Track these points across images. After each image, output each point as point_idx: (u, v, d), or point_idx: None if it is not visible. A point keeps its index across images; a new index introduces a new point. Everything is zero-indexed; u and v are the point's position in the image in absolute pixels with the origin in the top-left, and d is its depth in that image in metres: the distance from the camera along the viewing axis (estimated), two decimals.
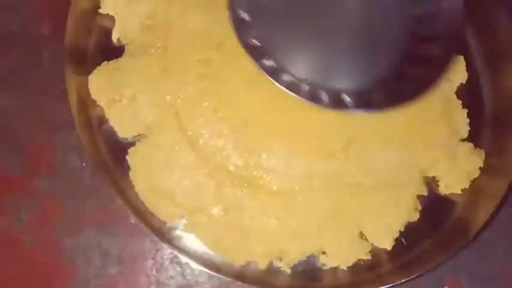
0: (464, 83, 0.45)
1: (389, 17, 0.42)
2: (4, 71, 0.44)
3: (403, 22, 0.42)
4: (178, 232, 0.42)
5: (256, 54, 0.39)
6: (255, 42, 0.40)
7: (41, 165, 0.43)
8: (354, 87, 0.41)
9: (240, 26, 0.39)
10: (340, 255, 0.42)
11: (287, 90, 0.38)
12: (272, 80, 0.38)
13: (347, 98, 0.40)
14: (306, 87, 0.40)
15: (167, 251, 0.42)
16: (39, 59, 0.44)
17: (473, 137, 0.45)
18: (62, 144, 0.43)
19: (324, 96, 0.40)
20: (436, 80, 0.39)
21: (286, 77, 0.40)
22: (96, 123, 0.43)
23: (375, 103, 0.39)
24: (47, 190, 0.43)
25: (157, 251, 0.42)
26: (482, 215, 0.42)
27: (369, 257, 0.42)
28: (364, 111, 0.39)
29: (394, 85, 0.40)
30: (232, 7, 0.39)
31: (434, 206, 0.44)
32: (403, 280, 0.40)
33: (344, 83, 0.41)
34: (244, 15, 0.40)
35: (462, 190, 0.44)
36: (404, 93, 0.39)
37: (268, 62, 0.40)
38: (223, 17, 0.39)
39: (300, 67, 0.41)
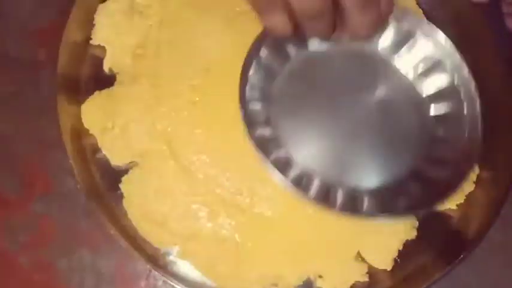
0: None
1: (406, 117, 0.40)
2: (2, 94, 0.45)
3: (421, 122, 0.40)
4: (172, 258, 0.41)
5: (266, 145, 0.36)
6: (266, 132, 0.37)
7: (37, 187, 0.43)
8: (372, 189, 0.38)
9: (249, 119, 0.36)
10: (337, 278, 0.42)
11: (294, 188, 0.35)
12: (280, 175, 0.35)
13: (365, 201, 0.37)
14: (317, 184, 0.37)
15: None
16: (37, 83, 0.45)
17: None
18: (57, 166, 0.43)
19: (337, 196, 0.37)
20: (457, 184, 0.36)
21: (295, 171, 0.37)
22: (90, 152, 0.43)
23: (394, 208, 0.36)
24: (42, 212, 0.43)
25: (150, 271, 0.42)
26: (477, 228, 0.42)
27: (366, 279, 0.42)
28: (381, 217, 0.37)
29: (413, 189, 0.38)
30: (245, 100, 0.36)
31: (430, 221, 0.43)
32: None
33: (361, 182, 0.38)
34: (255, 104, 0.38)
35: (457, 205, 0.44)
36: (425, 198, 0.37)
37: (279, 153, 0.37)
38: (211, 43, 0.40)
39: (314, 163, 0.38)
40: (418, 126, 0.40)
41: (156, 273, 0.41)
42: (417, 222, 0.43)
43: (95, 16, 0.44)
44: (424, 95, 0.41)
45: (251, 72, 0.37)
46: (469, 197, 0.44)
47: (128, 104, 0.42)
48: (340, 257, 0.42)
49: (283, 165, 0.36)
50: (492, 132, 0.44)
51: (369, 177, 0.38)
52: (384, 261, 0.42)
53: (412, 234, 0.43)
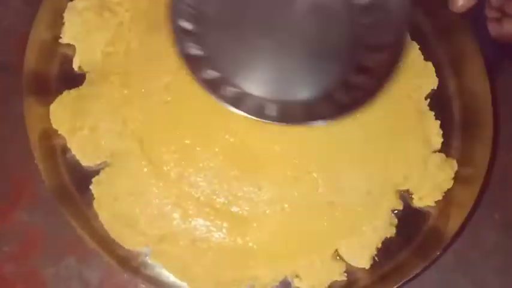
0: (435, 88, 0.45)
1: (338, 25, 0.41)
2: None
3: (352, 31, 0.41)
4: (145, 261, 0.41)
5: (196, 64, 0.37)
6: (197, 51, 0.38)
7: (23, 195, 0.43)
8: (301, 99, 0.40)
9: (180, 36, 0.37)
10: (315, 277, 0.41)
11: (228, 105, 0.36)
12: (213, 95, 0.36)
13: (294, 111, 0.38)
14: (251, 101, 0.38)
15: None
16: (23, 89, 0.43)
17: (444, 147, 0.44)
18: None
19: (271, 110, 0.38)
20: (379, 88, 0.38)
21: (230, 90, 0.38)
22: (60, 152, 0.42)
23: (321, 115, 0.38)
24: (28, 221, 0.42)
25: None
26: (454, 223, 0.41)
27: (344, 278, 0.41)
28: (311, 123, 0.38)
29: (339, 96, 0.40)
30: (173, 17, 0.37)
31: (408, 218, 0.43)
32: None
33: (290, 95, 0.40)
34: (187, 25, 0.39)
35: (436, 202, 0.43)
36: (349, 104, 0.38)
37: (210, 73, 0.38)
38: None
39: (245, 79, 0.39)
40: (347, 34, 0.41)
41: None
42: (396, 220, 0.43)
43: (64, 14, 0.43)
44: (353, 2, 0.41)
45: None
46: (447, 193, 0.43)
47: (98, 104, 0.42)
48: (317, 257, 0.41)
49: (216, 84, 0.37)
50: (467, 124, 0.45)
51: (299, 89, 0.40)
52: (362, 259, 0.42)
53: (391, 231, 0.43)
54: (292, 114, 0.38)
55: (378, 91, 0.38)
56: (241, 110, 0.36)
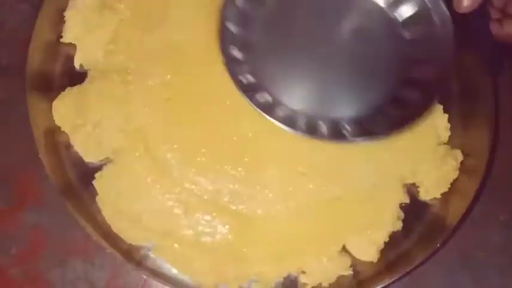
0: None
1: (381, 42, 0.42)
2: None
3: (396, 46, 0.42)
4: (147, 254, 0.41)
5: (249, 90, 0.39)
6: (248, 78, 0.40)
7: (28, 197, 0.43)
8: (352, 116, 0.40)
9: (232, 64, 0.39)
10: (321, 273, 0.41)
11: (283, 126, 0.38)
12: (267, 116, 0.38)
13: (347, 128, 0.39)
14: (303, 120, 0.40)
15: (153, 282, 0.41)
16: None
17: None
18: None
19: (323, 128, 0.39)
20: (430, 103, 0.39)
21: (281, 111, 0.40)
22: (63, 148, 0.42)
23: (374, 131, 0.39)
24: (34, 222, 0.42)
25: (144, 281, 0.42)
26: (457, 213, 0.41)
27: (350, 272, 0.41)
28: (364, 140, 0.38)
29: (391, 111, 0.40)
30: (224, 46, 0.39)
31: (411, 209, 0.43)
32: (387, 283, 0.40)
33: (342, 112, 0.40)
34: (236, 53, 0.40)
35: (441, 194, 0.43)
36: (402, 119, 0.39)
37: (262, 97, 0.40)
38: (181, 38, 0.40)
39: (296, 99, 0.40)
40: (393, 50, 0.42)
41: (150, 283, 0.41)
42: (403, 214, 0.42)
43: (64, 13, 0.44)
44: (397, 20, 0.42)
45: (228, 20, 0.40)
46: (452, 184, 0.43)
47: (100, 101, 0.42)
48: (323, 253, 0.41)
49: (269, 107, 0.39)
50: (467, 110, 0.45)
51: (350, 105, 0.41)
52: (370, 254, 0.42)
53: (398, 225, 0.42)
54: (342, 131, 0.39)
55: (430, 104, 0.39)
56: (295, 130, 0.38)
